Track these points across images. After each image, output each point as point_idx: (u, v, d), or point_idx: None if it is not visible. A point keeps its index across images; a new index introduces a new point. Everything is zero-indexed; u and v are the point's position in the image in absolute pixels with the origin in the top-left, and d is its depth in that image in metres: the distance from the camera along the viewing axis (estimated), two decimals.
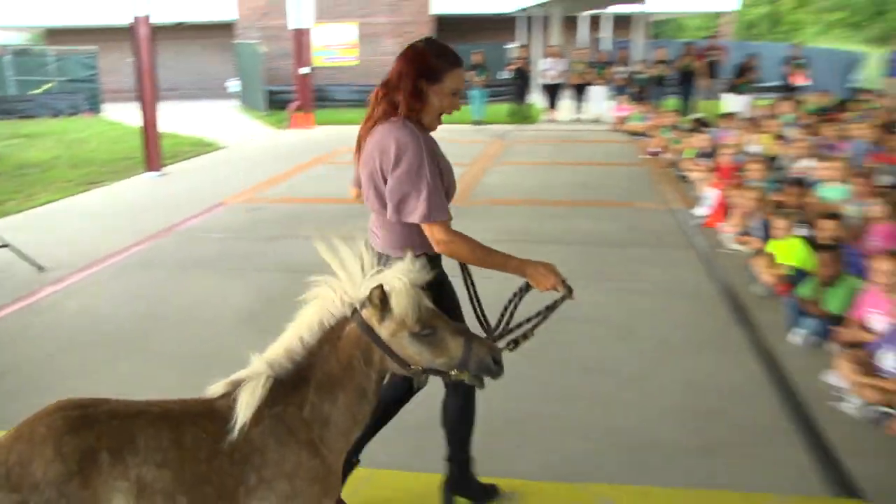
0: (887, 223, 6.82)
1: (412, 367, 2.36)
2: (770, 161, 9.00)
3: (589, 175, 11.78)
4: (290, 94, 20.68)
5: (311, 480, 2.33)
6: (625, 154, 14.49)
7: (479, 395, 3.22)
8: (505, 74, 21.05)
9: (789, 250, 6.35)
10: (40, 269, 7.21)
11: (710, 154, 11.09)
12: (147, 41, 12.38)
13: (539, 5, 24.65)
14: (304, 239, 8.25)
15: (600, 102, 19.87)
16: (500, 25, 33.33)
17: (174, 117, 19.32)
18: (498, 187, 11.35)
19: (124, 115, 21.24)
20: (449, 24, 31.30)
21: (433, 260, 3.00)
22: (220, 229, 8.89)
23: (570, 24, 28.69)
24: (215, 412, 2.28)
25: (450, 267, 3.12)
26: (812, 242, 6.21)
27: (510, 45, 26.97)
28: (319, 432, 2.36)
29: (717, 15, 36.61)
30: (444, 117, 3.07)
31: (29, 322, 6.09)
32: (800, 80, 17.70)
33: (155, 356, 5.33)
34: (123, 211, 10.14)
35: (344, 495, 3.17)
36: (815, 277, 5.70)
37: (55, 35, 32.07)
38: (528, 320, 2.87)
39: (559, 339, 5.18)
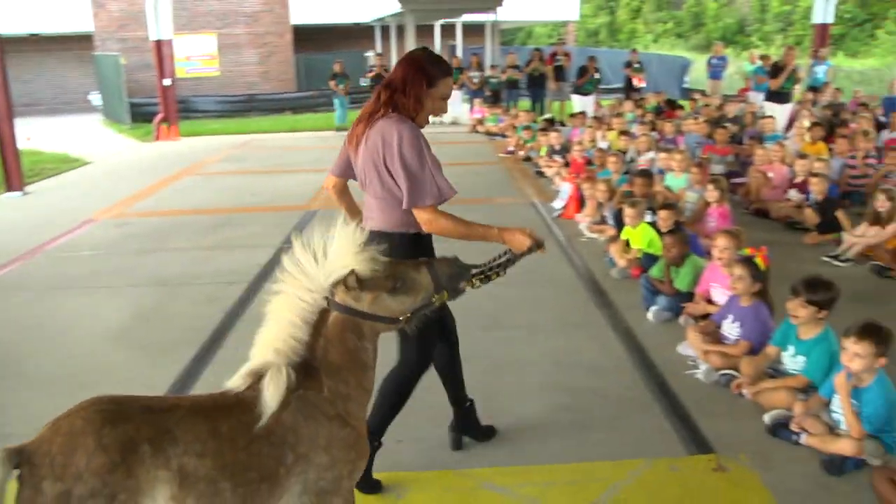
0: (721, 206, 7.45)
1: (400, 319, 2.57)
2: (621, 155, 9.56)
3: (450, 174, 11.86)
4: (154, 107, 19.90)
5: (346, 448, 2.53)
6: (483, 154, 14.94)
7: None
8: (364, 82, 21.11)
9: (640, 236, 6.80)
10: None
11: (562, 151, 11.64)
12: None
13: (394, 15, 24.88)
14: (175, 252, 8.09)
15: (457, 106, 20.31)
16: (358, 34, 33.42)
17: (36, 133, 18.36)
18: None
19: None
20: (308, 34, 31.07)
21: (424, 238, 3.39)
22: (90, 246, 8.51)
23: (425, 31, 29.06)
24: (244, 402, 2.39)
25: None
26: (659, 228, 6.68)
27: (369, 54, 27.14)
28: (343, 407, 2.55)
29: (563, 23, 38.18)
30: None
31: None
32: (639, 82, 18.76)
33: (27, 381, 5.08)
34: None
35: None
36: (664, 259, 6.13)
37: None
38: (495, 260, 3.06)
39: None
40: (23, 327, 6.10)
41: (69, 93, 29.99)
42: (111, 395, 2.33)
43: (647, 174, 8.25)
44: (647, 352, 5.31)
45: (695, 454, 4.00)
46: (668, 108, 15.19)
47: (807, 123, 11.65)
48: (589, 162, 10.13)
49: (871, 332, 3.77)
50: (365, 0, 28.42)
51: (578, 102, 17.68)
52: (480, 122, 17.92)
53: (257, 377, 2.44)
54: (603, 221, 8.20)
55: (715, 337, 5.07)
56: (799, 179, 9.07)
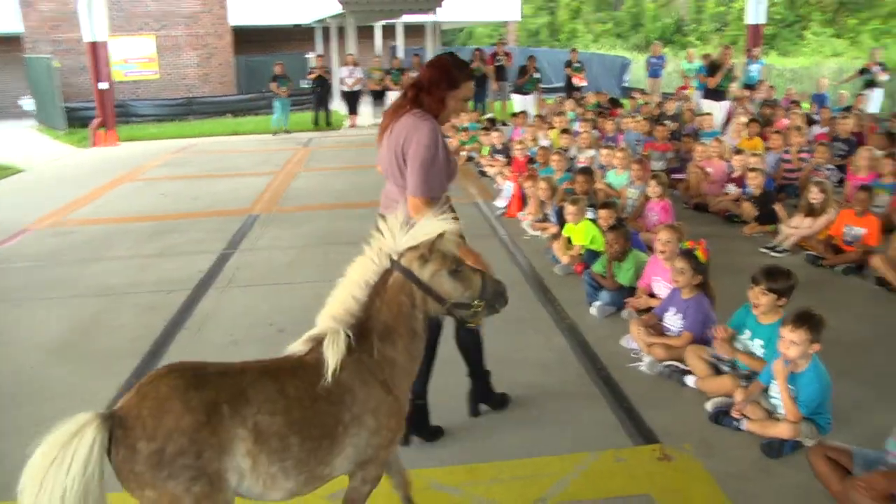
0: (662, 201, 7.57)
1: (447, 302, 2.78)
2: (563, 153, 9.64)
3: None
4: (90, 111, 19.31)
5: (388, 415, 2.75)
6: None
7: None
8: (306, 84, 20.96)
9: (582, 233, 6.87)
10: None
11: (504, 150, 11.70)
12: None
13: (334, 16, 24.74)
14: (115, 260, 7.89)
15: None
16: (299, 36, 33.11)
17: None
18: (306, 192, 11.35)
19: None
20: (248, 35, 30.66)
21: None
22: (25, 257, 8.22)
23: (366, 32, 28.99)
24: (306, 365, 2.64)
25: None
26: (600, 224, 6.76)
27: (309, 55, 26.89)
28: (389, 373, 2.75)
29: (504, 23, 38.42)
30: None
31: None
32: (579, 82, 18.95)
33: None
34: None
35: None
36: (606, 255, 6.20)
37: None
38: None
39: None
40: None
41: None
42: (183, 361, 2.55)
43: (588, 171, 8.34)
44: (592, 346, 5.37)
45: (640, 445, 4.06)
46: (612, 107, 15.42)
47: (743, 120, 11.92)
48: (531, 161, 10.20)
49: (805, 320, 3.88)
50: (305, 1, 28.21)
51: (519, 102, 17.79)
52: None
53: (317, 342, 2.68)
54: (545, 219, 8.26)
55: (657, 329, 5.14)
56: (736, 174, 9.28)
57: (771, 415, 4.10)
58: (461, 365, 4.57)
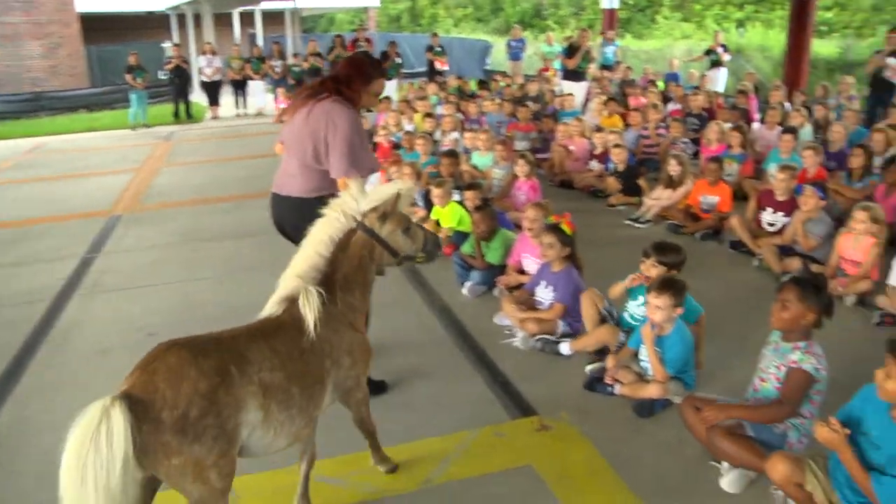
0: (530, 180, 7.76)
1: (399, 255, 3.27)
2: (428, 137, 9.69)
3: (257, 168, 11.75)
4: None
5: (360, 350, 3.19)
6: None
7: None
8: (164, 74, 20.13)
9: (449, 215, 6.94)
10: None
11: (368, 136, 11.64)
12: None
13: (189, 2, 23.87)
14: None
15: (261, 96, 19.86)
16: (153, 24, 31.65)
17: None
18: (169, 189, 10.94)
19: None
20: (98, 23, 28.95)
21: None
22: None
23: (224, 20, 28.10)
24: (285, 324, 2.92)
25: None
26: (467, 206, 6.85)
27: (166, 44, 25.74)
28: (352, 317, 3.17)
29: (364, 10, 38.17)
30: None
31: None
32: (441, 66, 19.10)
33: None
34: None
35: None
36: (474, 235, 6.30)
37: None
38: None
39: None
40: None
41: None
42: (175, 339, 2.65)
43: (452, 154, 8.41)
44: (465, 325, 5.45)
45: (518, 418, 4.15)
46: (480, 89, 15.69)
47: (602, 99, 12.35)
48: (395, 146, 10.20)
49: (668, 286, 4.09)
50: None
51: None
52: (286, 111, 17.55)
53: (290, 301, 2.97)
54: (413, 203, 8.27)
55: (529, 305, 5.28)
56: (598, 151, 9.62)
57: (641, 377, 4.30)
58: None
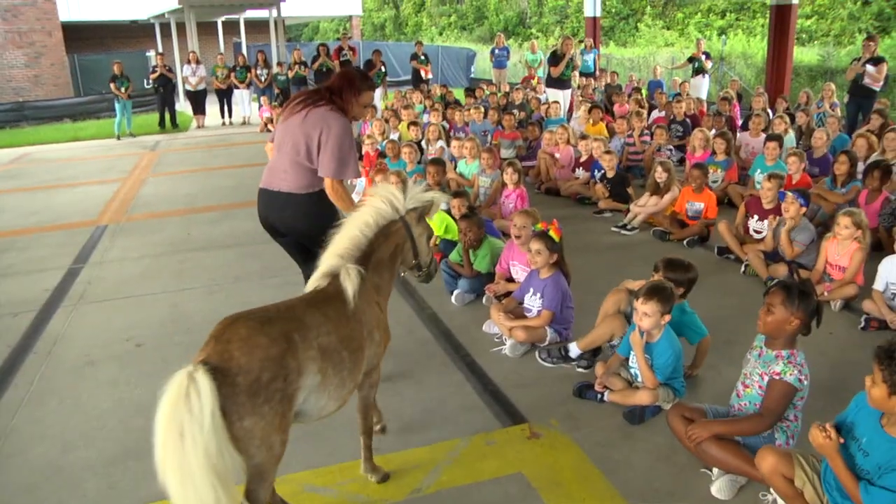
0: (518, 188, 7.79)
1: (417, 259, 3.65)
2: (414, 146, 9.71)
3: (244, 177, 11.75)
4: None
5: (384, 329, 3.47)
6: None
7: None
8: (148, 84, 20.07)
9: (436, 223, 6.93)
10: None
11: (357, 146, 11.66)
12: None
13: (172, 11, 23.81)
14: None
15: (246, 105, 19.84)
16: (137, 32, 31.58)
17: None
18: (155, 199, 10.89)
19: None
20: (81, 32, 28.82)
21: (325, 196, 4.39)
22: None
23: (208, 28, 28.07)
24: (332, 294, 3.18)
25: None
26: (453, 214, 6.87)
27: (150, 53, 25.63)
28: (378, 298, 3.44)
29: (349, 18, 38.22)
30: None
31: None
32: (426, 74, 19.14)
33: None
34: None
35: None
36: (461, 243, 6.31)
37: None
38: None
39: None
40: None
41: None
42: (236, 313, 2.87)
43: (439, 162, 8.41)
44: (454, 334, 5.45)
45: (509, 426, 4.16)
46: (468, 97, 15.78)
47: (586, 107, 12.42)
48: (381, 154, 10.21)
49: (655, 292, 4.11)
50: None
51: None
52: (271, 120, 17.51)
53: (332, 276, 3.24)
54: None
55: (517, 313, 5.30)
56: (583, 158, 9.67)
57: (631, 384, 4.32)
58: None
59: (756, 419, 3.46)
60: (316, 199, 4.40)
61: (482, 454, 3.88)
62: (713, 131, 9.86)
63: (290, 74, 19.17)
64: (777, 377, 3.41)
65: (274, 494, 3.21)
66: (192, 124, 19.84)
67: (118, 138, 17.99)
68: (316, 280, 3.29)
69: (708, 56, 17.10)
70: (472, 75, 28.88)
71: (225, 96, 19.78)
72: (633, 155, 10.54)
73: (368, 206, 3.41)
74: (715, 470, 3.54)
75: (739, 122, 12.17)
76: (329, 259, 3.32)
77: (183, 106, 21.44)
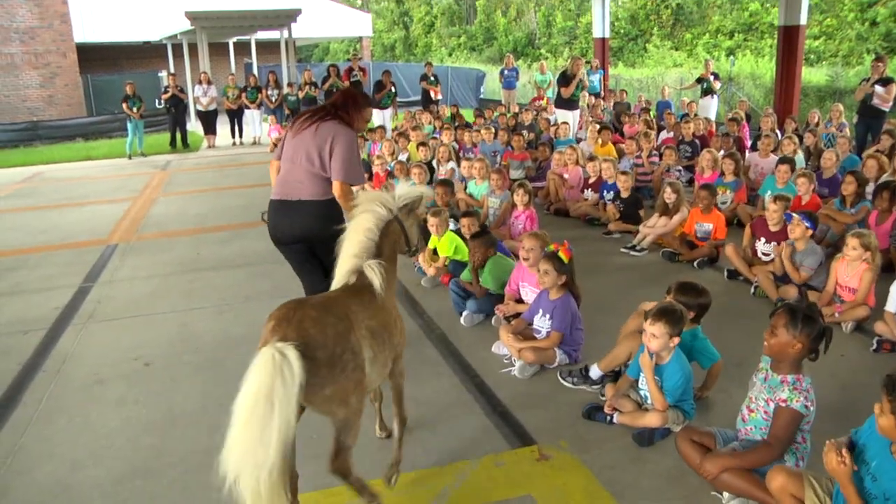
0: (528, 209, 7.79)
1: (411, 245, 3.97)
2: (424, 166, 9.73)
3: (253, 197, 11.79)
4: None
5: (400, 319, 3.78)
6: None
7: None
8: (160, 104, 20.23)
9: (446, 244, 6.96)
10: None
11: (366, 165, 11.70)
12: None
13: (185, 32, 24.06)
14: None
15: (257, 125, 19.96)
16: (149, 53, 31.91)
17: None
18: (166, 218, 10.95)
19: None
20: (95, 53, 29.16)
21: (336, 201, 4.72)
22: None
23: (220, 49, 28.32)
24: (361, 287, 3.51)
25: None
26: (463, 234, 6.90)
27: (163, 73, 25.88)
28: (388, 291, 3.69)
29: (359, 39, 38.52)
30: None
31: None
32: (435, 95, 19.22)
33: None
34: None
35: None
36: (471, 263, 6.31)
37: None
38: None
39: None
40: None
41: None
42: (294, 298, 3.31)
43: (447, 183, 8.44)
44: (463, 355, 5.44)
45: (518, 447, 4.14)
46: (478, 118, 15.87)
47: (596, 127, 12.44)
48: (391, 175, 10.25)
49: (663, 314, 4.08)
50: (154, 17, 27.27)
51: (377, 116, 17.85)
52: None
53: (357, 272, 3.56)
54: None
55: (526, 334, 5.28)
56: (592, 179, 9.68)
57: (641, 406, 4.30)
58: None
59: (765, 449, 3.43)
60: (330, 205, 4.72)
61: (491, 476, 3.86)
62: (722, 152, 9.85)
63: (301, 95, 19.29)
64: (783, 404, 3.39)
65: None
66: (202, 144, 19.97)
67: (129, 158, 18.12)
68: (343, 277, 3.60)
69: (717, 77, 17.13)
70: (482, 96, 29.01)
71: (236, 116, 19.92)
72: (641, 176, 10.55)
73: (366, 211, 3.71)
74: (725, 494, 3.51)
75: (749, 143, 12.18)
76: (348, 259, 3.63)
77: (194, 126, 21.58)
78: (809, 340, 3.38)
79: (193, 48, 23.03)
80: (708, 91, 16.68)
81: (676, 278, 6.76)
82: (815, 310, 3.49)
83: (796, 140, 10.46)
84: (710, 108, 16.58)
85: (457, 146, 11.95)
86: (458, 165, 10.42)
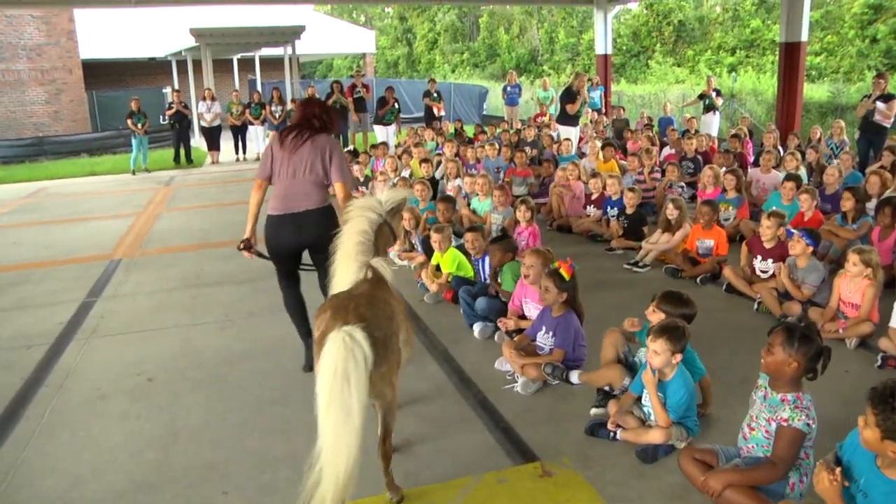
0: (531, 225, 7.80)
1: (395, 240, 4.41)
2: (426, 183, 9.76)
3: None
4: None
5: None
6: None
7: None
8: (164, 121, 20.33)
9: (449, 260, 6.97)
10: None
11: (366, 182, 11.76)
12: None
13: (189, 49, 24.22)
14: None
15: (260, 142, 20.04)
16: (154, 69, 32.09)
17: None
18: (169, 233, 10.98)
19: None
20: (100, 69, 29.36)
21: (332, 208, 5.22)
22: None
23: (224, 65, 28.47)
24: (375, 281, 3.83)
25: None
26: (464, 250, 6.93)
27: (167, 90, 26.02)
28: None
29: (362, 55, 38.71)
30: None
31: None
32: (438, 111, 19.29)
33: None
34: None
35: None
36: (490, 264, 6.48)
37: None
38: None
39: (237, 375, 5.28)
40: None
41: None
42: (335, 294, 3.77)
43: (449, 200, 8.45)
44: (466, 372, 5.43)
45: (521, 464, 4.12)
46: (482, 134, 15.95)
47: (598, 143, 12.48)
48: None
49: (664, 331, 4.08)
50: (159, 33, 27.43)
51: (381, 133, 17.90)
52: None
53: (368, 268, 3.87)
54: (412, 248, 8.33)
55: (529, 350, 5.28)
56: (595, 196, 9.70)
57: (644, 423, 4.29)
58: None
59: (769, 468, 3.42)
60: (330, 210, 5.18)
61: (494, 492, 3.85)
62: (723, 168, 9.87)
63: None
64: (785, 424, 3.38)
65: None
66: (206, 160, 20.05)
67: (133, 173, 18.20)
68: (354, 274, 3.88)
69: (718, 93, 17.18)
70: (485, 112, 29.10)
71: (239, 132, 20.01)
72: (643, 192, 10.56)
73: (359, 217, 4.07)
74: None
75: (751, 159, 12.20)
76: (354, 259, 3.93)
77: (198, 142, 21.68)
78: (806, 360, 3.38)
79: (198, 65, 23.16)
80: (710, 107, 16.74)
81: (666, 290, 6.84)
82: (812, 329, 3.49)
83: (799, 156, 10.48)
84: (713, 124, 16.63)
85: (459, 162, 11.98)
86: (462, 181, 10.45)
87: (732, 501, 3.43)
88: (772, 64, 27.93)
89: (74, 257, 9.67)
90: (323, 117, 5.29)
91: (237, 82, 28.85)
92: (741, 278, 6.84)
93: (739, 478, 3.46)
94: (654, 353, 4.07)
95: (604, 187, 9.55)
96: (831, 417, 3.49)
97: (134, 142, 18.28)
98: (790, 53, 15.27)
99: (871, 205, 7.93)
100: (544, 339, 5.20)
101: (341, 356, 3.08)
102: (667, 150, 13.11)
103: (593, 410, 4.56)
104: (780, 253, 6.65)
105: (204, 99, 19.58)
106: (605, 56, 20.93)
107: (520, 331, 5.63)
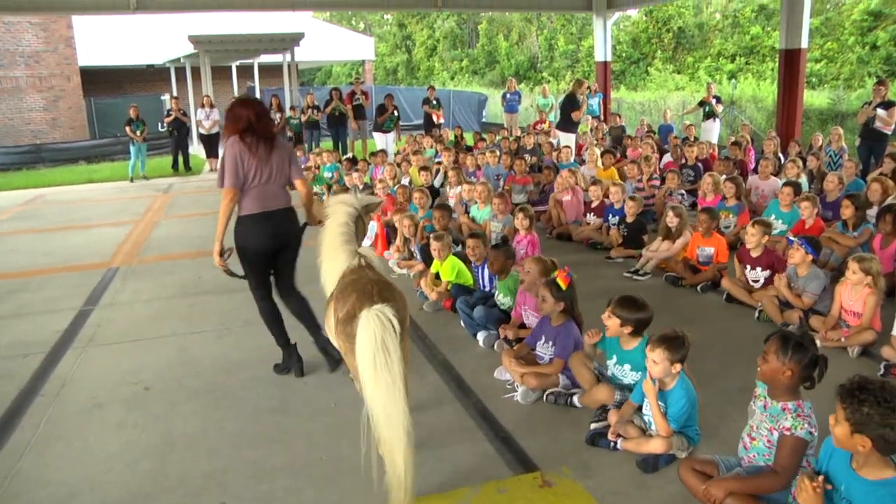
0: (529, 234, 7.77)
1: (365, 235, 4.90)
2: (426, 191, 9.73)
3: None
4: None
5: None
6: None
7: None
8: (163, 128, 20.32)
9: (448, 268, 6.93)
10: None
11: (367, 189, 11.72)
12: None
13: (188, 56, 24.23)
14: None
15: None
16: (152, 76, 32.12)
17: None
18: (168, 241, 10.95)
19: None
20: (98, 76, 29.38)
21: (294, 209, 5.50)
22: None
23: (223, 72, 28.49)
24: (369, 265, 4.34)
25: None
26: (464, 257, 6.90)
27: (165, 97, 26.03)
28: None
29: (361, 62, 38.77)
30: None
31: None
32: (438, 119, 19.28)
33: None
34: None
35: None
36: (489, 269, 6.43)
37: None
38: None
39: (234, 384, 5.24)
40: None
41: None
42: (348, 281, 4.14)
43: (445, 207, 8.40)
44: (465, 381, 5.39)
45: (520, 473, 4.09)
46: (480, 141, 15.93)
47: (598, 151, 12.47)
48: (392, 199, 10.23)
49: (663, 340, 4.05)
50: (158, 41, 27.45)
51: (380, 140, 17.88)
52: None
53: (355, 257, 4.41)
54: (412, 257, 8.29)
55: (529, 360, 5.24)
56: (595, 203, 9.67)
57: (645, 432, 4.25)
58: (341, 405, 4.48)
59: (772, 477, 3.39)
60: (294, 209, 5.50)
61: (493, 502, 3.81)
62: (724, 176, 9.85)
63: (304, 118, 19.37)
64: (788, 433, 3.35)
65: None
66: (204, 167, 20.03)
67: (132, 181, 18.19)
68: (344, 262, 4.35)
69: (719, 100, 17.18)
70: (484, 119, 29.12)
71: None
72: (644, 200, 10.54)
73: (339, 211, 4.58)
74: None
75: (752, 166, 12.19)
76: (341, 248, 4.45)
77: (196, 149, 21.66)
78: (800, 368, 3.37)
79: (196, 72, 23.17)
80: (710, 114, 16.73)
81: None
82: (808, 338, 3.49)
83: (800, 163, 10.46)
84: (713, 131, 16.62)
85: (461, 169, 11.97)
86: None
87: None
88: (772, 71, 27.97)
89: (72, 265, 9.63)
90: (265, 120, 5.36)
91: (236, 89, 28.89)
92: (740, 287, 6.80)
93: (742, 486, 3.43)
94: (653, 362, 4.03)
95: (605, 195, 9.52)
96: None
97: (132, 149, 18.26)
98: (790, 60, 15.29)
99: (872, 212, 7.90)
100: (544, 349, 5.17)
101: (378, 330, 3.48)
102: (667, 158, 13.10)
103: (593, 425, 4.51)
104: (767, 261, 6.64)
105: (202, 106, 19.57)
106: (605, 63, 20.96)
107: (519, 340, 5.60)
